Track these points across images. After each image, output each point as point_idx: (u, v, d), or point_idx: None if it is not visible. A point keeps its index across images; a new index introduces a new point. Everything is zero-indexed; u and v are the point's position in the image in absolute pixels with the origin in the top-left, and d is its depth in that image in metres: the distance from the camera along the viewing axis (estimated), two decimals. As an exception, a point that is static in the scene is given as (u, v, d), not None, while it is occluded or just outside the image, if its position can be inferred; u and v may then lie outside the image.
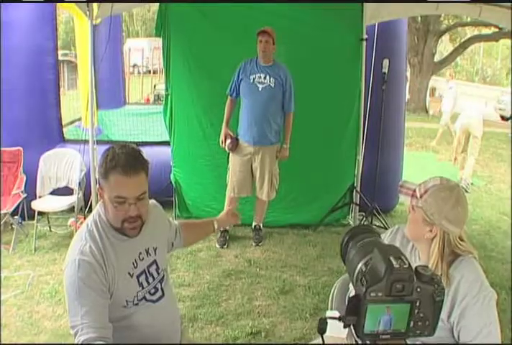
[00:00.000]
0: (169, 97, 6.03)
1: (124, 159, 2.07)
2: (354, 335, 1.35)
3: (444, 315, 2.05)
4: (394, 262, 1.25)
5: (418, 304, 1.29)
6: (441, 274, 2.08)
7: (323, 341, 1.51)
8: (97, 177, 5.26)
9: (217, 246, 5.57)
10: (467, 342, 2.03)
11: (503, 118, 20.48)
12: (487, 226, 6.87)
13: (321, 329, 1.45)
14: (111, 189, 2.10)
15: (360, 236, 1.50)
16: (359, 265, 1.37)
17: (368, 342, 1.35)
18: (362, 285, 1.29)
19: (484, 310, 2.02)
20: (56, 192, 5.83)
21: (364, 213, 6.29)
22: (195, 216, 6.22)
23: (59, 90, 6.65)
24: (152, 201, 2.50)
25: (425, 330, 1.34)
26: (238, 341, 3.86)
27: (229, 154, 5.46)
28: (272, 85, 5.22)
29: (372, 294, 1.25)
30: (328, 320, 2.19)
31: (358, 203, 6.29)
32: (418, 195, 2.14)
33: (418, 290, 1.28)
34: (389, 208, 6.70)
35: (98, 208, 2.26)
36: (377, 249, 1.33)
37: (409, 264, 1.27)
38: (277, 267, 5.20)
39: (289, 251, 5.58)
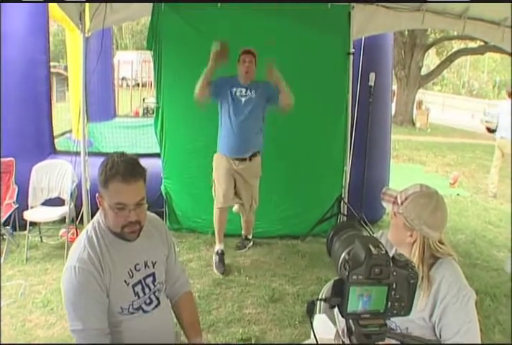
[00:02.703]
0: (160, 109, 6.10)
1: (123, 167, 2.15)
2: (339, 314, 1.50)
3: (426, 314, 2.16)
4: (373, 249, 1.41)
5: (394, 286, 1.45)
6: (423, 276, 2.17)
7: (311, 322, 1.75)
8: (88, 188, 5.39)
9: (216, 272, 5.33)
10: (447, 340, 2.12)
11: (489, 130, 20.64)
12: (473, 235, 6.96)
13: (310, 310, 1.59)
14: (112, 196, 2.18)
15: (343, 231, 1.65)
16: (343, 254, 1.52)
17: (351, 321, 1.49)
18: (345, 270, 1.44)
19: (463, 309, 2.10)
20: (48, 202, 5.86)
21: (351, 224, 6.32)
22: (185, 227, 6.31)
23: (51, 102, 6.71)
24: (156, 217, 2.60)
25: (401, 310, 1.49)
26: (229, 349, 3.92)
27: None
28: (254, 96, 5.18)
29: (354, 277, 1.41)
30: (316, 323, 2.30)
31: (346, 213, 6.34)
32: (399, 202, 2.24)
33: (395, 273, 1.44)
34: (376, 218, 6.79)
35: (97, 216, 2.34)
36: (358, 239, 1.49)
37: (386, 251, 1.43)
38: (266, 276, 5.26)
39: (278, 261, 5.65)
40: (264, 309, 4.56)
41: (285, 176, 6.08)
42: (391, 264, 1.43)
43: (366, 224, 6.20)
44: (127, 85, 24.05)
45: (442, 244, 2.24)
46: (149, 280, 2.39)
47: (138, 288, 2.33)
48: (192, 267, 5.39)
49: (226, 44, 5.06)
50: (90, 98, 8.91)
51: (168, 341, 2.48)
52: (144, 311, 2.36)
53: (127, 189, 2.16)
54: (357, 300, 1.44)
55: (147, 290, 2.37)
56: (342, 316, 1.49)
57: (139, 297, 2.33)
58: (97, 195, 2.26)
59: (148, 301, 2.38)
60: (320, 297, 2.68)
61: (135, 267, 2.34)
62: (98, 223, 2.31)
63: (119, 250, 2.29)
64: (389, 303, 1.46)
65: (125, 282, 2.29)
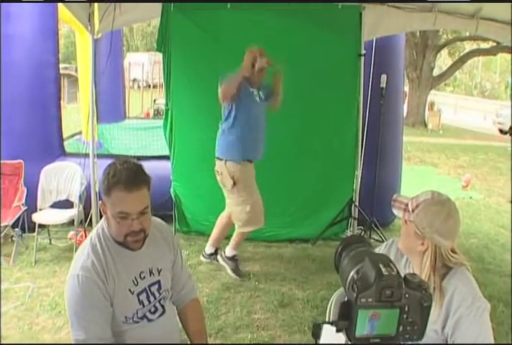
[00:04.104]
0: (169, 111, 6.06)
1: (126, 175, 2.10)
2: (347, 339, 1.40)
3: (438, 326, 2.10)
4: (383, 269, 1.32)
5: (406, 309, 1.34)
6: (434, 287, 2.11)
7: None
8: (97, 190, 5.37)
9: (233, 275, 5.25)
10: None
11: (501, 131, 20.57)
12: (486, 240, 6.89)
13: (316, 334, 1.53)
14: (114, 205, 2.13)
15: (352, 246, 1.55)
16: (351, 273, 1.42)
17: None
18: (353, 291, 1.34)
19: (477, 321, 2.04)
20: (56, 205, 5.86)
21: (362, 227, 6.32)
22: (194, 230, 6.28)
23: (60, 104, 6.70)
24: (162, 223, 2.55)
25: (414, 334, 1.39)
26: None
27: None
28: (262, 97, 5.08)
29: (363, 299, 1.31)
30: (326, 331, 2.23)
31: (357, 217, 6.30)
32: (410, 209, 2.18)
33: (407, 295, 1.34)
34: (387, 222, 6.71)
35: (101, 223, 2.30)
36: (368, 257, 1.39)
37: (398, 271, 1.33)
38: (276, 280, 5.22)
39: (288, 265, 5.60)
40: (274, 314, 4.52)
41: (295, 179, 6.04)
42: (403, 285, 1.34)
43: (377, 228, 6.15)
44: (138, 87, 24.12)
45: (455, 252, 2.17)
46: (154, 288, 2.34)
47: (143, 296, 2.29)
48: (201, 271, 5.36)
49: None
50: (101, 100, 8.99)
51: None
52: (149, 320, 2.32)
53: (130, 198, 2.11)
54: (366, 324, 1.35)
55: (152, 298, 2.33)
56: (350, 341, 1.40)
57: (143, 305, 2.29)
58: (100, 202, 2.22)
59: (153, 309, 2.34)
60: (330, 305, 2.62)
61: (140, 275, 2.30)
62: (102, 230, 2.27)
63: (123, 258, 2.25)
64: (401, 327, 1.37)
65: (129, 290, 2.25)
